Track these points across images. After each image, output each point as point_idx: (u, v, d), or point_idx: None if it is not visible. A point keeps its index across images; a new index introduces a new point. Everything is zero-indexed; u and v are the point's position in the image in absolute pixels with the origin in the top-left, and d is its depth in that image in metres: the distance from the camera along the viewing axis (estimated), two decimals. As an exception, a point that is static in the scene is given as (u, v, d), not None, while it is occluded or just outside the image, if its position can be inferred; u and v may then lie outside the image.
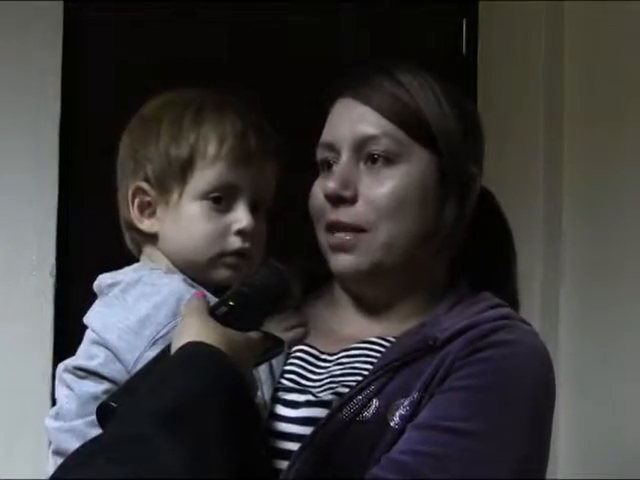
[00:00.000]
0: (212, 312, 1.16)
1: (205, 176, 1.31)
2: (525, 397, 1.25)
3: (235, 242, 1.33)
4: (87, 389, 1.26)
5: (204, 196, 1.32)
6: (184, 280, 1.30)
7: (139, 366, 1.20)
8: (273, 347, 1.22)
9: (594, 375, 2.21)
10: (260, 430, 1.12)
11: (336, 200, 1.34)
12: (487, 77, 2.59)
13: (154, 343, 1.23)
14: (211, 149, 1.31)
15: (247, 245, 1.33)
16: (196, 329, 1.12)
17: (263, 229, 1.37)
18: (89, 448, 1.01)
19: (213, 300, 1.21)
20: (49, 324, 2.24)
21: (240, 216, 1.33)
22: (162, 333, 1.23)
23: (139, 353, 1.23)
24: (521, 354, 1.28)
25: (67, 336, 2.22)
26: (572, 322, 2.40)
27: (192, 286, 1.30)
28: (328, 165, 1.38)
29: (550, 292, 2.42)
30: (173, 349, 1.11)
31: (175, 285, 1.28)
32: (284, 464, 1.26)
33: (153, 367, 1.13)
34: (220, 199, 1.32)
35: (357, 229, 1.33)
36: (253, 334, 1.17)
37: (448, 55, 2.59)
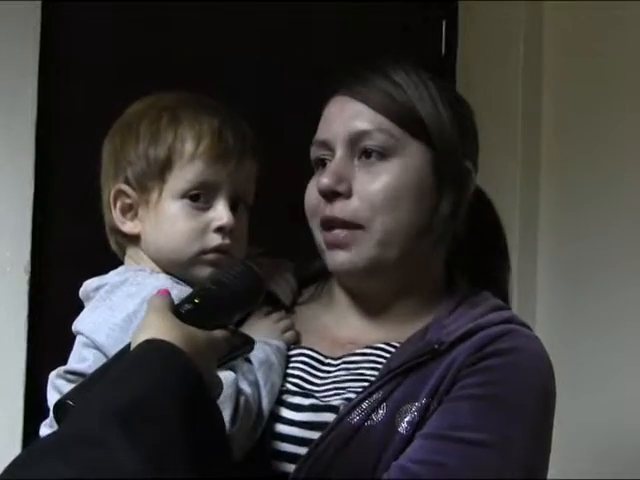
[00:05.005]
0: (176, 309, 1.13)
1: (183, 175, 1.33)
2: (530, 407, 1.27)
3: (215, 239, 1.34)
4: None
5: (183, 195, 1.33)
6: (170, 278, 1.32)
7: None
8: (241, 346, 1.20)
9: (572, 368, 2.22)
10: (221, 431, 1.08)
11: (330, 195, 1.34)
12: (466, 79, 2.59)
13: None
14: (188, 148, 1.33)
15: (227, 241, 1.34)
16: (155, 326, 1.09)
17: (245, 226, 1.39)
18: (40, 447, 0.97)
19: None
20: (23, 321, 2.22)
21: (220, 213, 1.34)
22: None
23: None
24: (525, 363, 1.29)
25: (41, 333, 2.20)
26: (549, 318, 2.41)
27: (178, 283, 1.31)
28: (322, 163, 1.38)
29: (526, 288, 2.44)
30: (132, 347, 1.08)
31: (162, 282, 1.29)
32: (283, 465, 1.27)
33: (112, 365, 1.11)
34: (199, 197, 1.34)
35: (353, 225, 1.33)
36: (217, 332, 1.14)
37: (427, 56, 2.59)
